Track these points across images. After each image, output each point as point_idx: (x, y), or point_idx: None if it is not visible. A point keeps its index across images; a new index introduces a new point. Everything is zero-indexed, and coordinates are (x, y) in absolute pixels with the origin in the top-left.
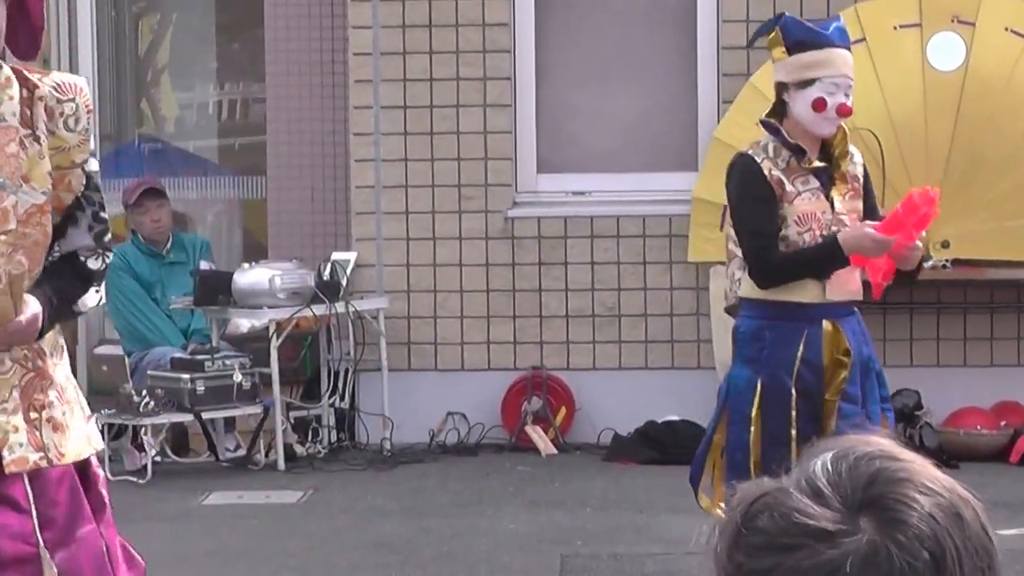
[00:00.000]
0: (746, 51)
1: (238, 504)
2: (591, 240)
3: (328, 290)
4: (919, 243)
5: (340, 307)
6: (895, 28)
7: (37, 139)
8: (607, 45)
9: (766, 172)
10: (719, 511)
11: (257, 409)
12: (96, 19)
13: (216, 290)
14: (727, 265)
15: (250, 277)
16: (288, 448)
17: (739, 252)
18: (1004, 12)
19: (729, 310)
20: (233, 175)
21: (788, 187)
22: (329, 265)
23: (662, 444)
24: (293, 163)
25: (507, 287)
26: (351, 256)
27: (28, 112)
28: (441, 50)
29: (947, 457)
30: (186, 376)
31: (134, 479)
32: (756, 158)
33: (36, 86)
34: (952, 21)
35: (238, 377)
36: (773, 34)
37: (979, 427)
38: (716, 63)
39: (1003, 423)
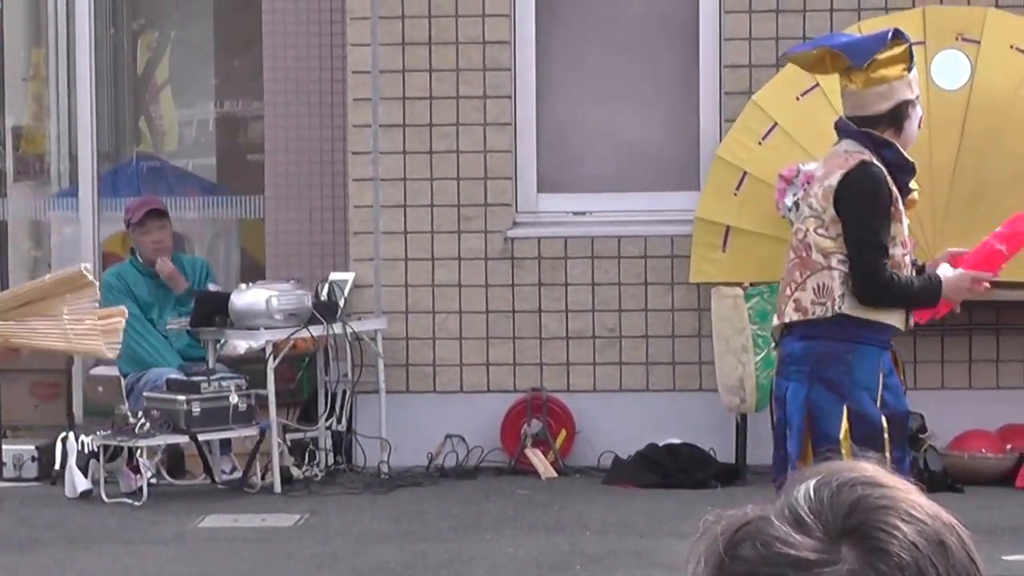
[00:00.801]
0: (748, 69)
1: (234, 527)
2: (592, 261)
3: (325, 311)
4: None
5: (337, 328)
6: None
7: None
8: (608, 64)
9: (891, 185)
10: None
11: (253, 431)
12: (94, 36)
13: (213, 311)
14: (803, 278)
15: (247, 298)
16: (284, 471)
17: (835, 264)
18: (1009, 30)
19: (790, 326)
20: (231, 194)
21: (899, 206)
22: (327, 285)
23: (663, 467)
24: (291, 182)
25: (507, 308)
26: (349, 276)
27: None
28: (441, 68)
29: (952, 481)
30: (182, 398)
31: (129, 501)
32: (883, 170)
33: None
34: (956, 39)
35: (234, 399)
36: (900, 50)
37: (984, 450)
38: (718, 81)
39: (1009, 447)
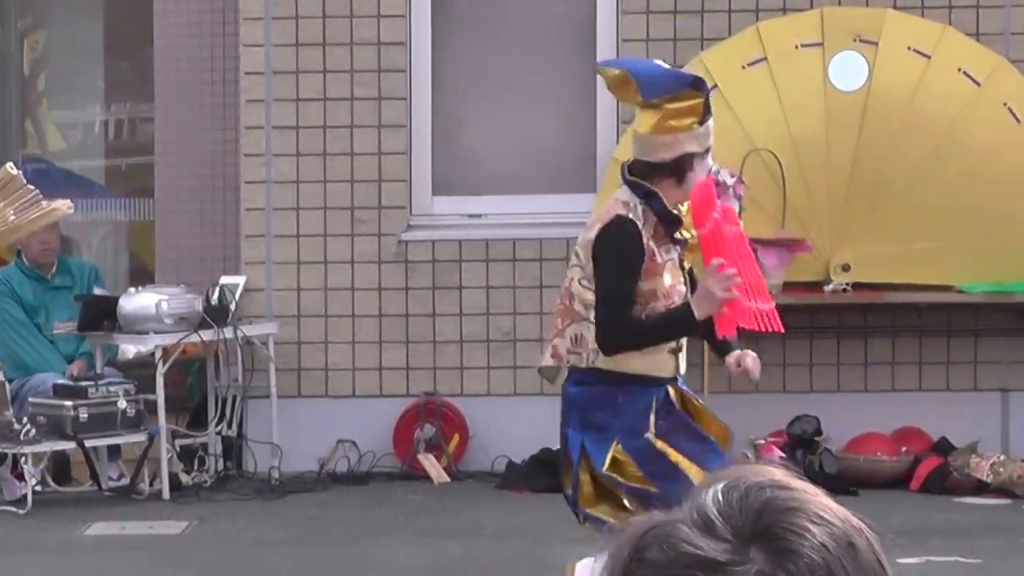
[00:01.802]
0: None
1: (121, 535)
2: (486, 264)
3: (216, 315)
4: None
5: (228, 332)
6: (797, 47)
7: None
8: (505, 66)
9: (645, 240)
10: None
11: (142, 437)
12: None
13: (101, 315)
14: (563, 325)
15: (136, 302)
16: (173, 477)
17: (592, 317)
18: (907, 31)
19: (546, 372)
20: (120, 197)
21: (658, 258)
22: (217, 289)
23: (557, 471)
24: (182, 184)
25: (400, 312)
26: (240, 280)
27: None
28: (335, 69)
29: (847, 484)
30: (69, 403)
31: (13, 509)
32: (638, 224)
33: None
34: (855, 40)
35: (123, 404)
36: (694, 102)
37: (880, 453)
38: None
39: (904, 449)
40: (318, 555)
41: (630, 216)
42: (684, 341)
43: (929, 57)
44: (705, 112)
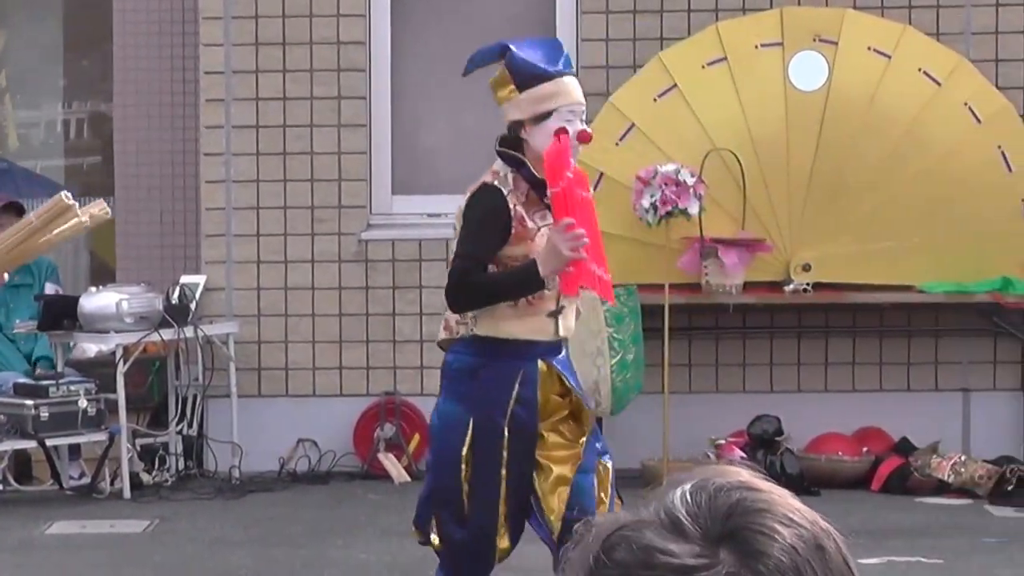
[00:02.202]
0: (606, 70)
1: (82, 534)
2: (446, 263)
3: (177, 314)
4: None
5: (189, 332)
6: (756, 47)
7: None
8: (464, 65)
9: (511, 207)
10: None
11: (103, 436)
12: None
13: (62, 314)
14: None
15: (97, 301)
16: (134, 476)
17: None
18: (866, 31)
19: (443, 344)
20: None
21: (529, 223)
22: (178, 288)
23: None
24: (142, 184)
25: (360, 311)
26: (200, 279)
27: None
28: (295, 68)
29: (808, 484)
30: (29, 402)
31: None
32: (504, 191)
33: None
34: (814, 40)
35: (83, 403)
36: (498, 75)
37: (840, 453)
38: None
39: (865, 449)
40: (279, 554)
41: (495, 183)
42: (570, 304)
43: (889, 57)
44: (513, 78)
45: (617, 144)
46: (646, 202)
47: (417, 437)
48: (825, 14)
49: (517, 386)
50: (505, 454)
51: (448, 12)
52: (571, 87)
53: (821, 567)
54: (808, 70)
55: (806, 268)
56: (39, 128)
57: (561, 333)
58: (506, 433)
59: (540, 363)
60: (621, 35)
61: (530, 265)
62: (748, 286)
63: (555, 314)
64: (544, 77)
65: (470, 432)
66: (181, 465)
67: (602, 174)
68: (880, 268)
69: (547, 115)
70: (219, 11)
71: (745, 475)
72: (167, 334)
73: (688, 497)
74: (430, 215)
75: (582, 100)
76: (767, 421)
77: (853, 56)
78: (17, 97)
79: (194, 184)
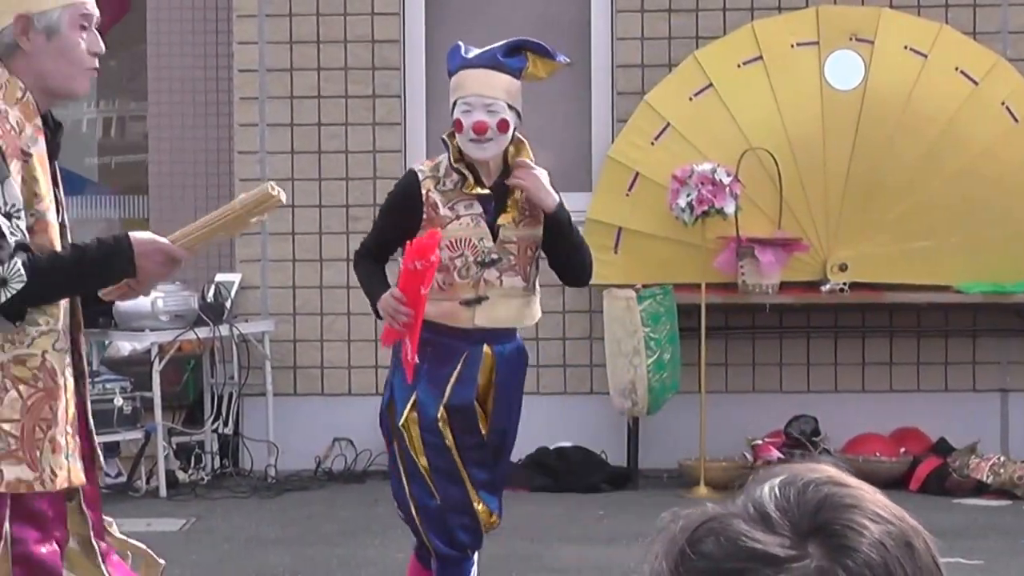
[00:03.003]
0: (641, 69)
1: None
2: None
3: (212, 312)
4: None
5: (224, 330)
6: (792, 46)
7: None
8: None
9: (423, 191)
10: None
11: (138, 434)
12: None
13: (97, 312)
14: None
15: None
16: (170, 475)
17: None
18: (903, 30)
19: None
20: (113, 194)
21: (443, 211)
22: (213, 287)
23: (554, 471)
24: (176, 182)
25: None
26: (235, 278)
27: None
28: (329, 67)
29: None
30: None
31: None
32: (420, 175)
33: None
34: (850, 39)
35: (119, 401)
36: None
37: (878, 454)
38: (610, 81)
39: (902, 450)
40: (315, 553)
41: (419, 167)
42: (498, 297)
43: (925, 56)
44: (448, 72)
45: (653, 143)
46: (682, 201)
47: None
48: (861, 13)
49: (459, 367)
50: (446, 427)
51: (483, 10)
52: (470, 78)
53: (910, 564)
54: (844, 69)
55: (843, 268)
56: (70, 126)
57: (478, 323)
58: (441, 410)
59: (485, 347)
60: (656, 34)
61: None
62: (784, 286)
63: (470, 303)
64: (453, 70)
65: (410, 407)
66: (217, 464)
67: (638, 174)
68: (917, 268)
69: (453, 107)
70: (253, 9)
71: (834, 471)
72: (202, 332)
73: (777, 492)
74: None
75: (485, 92)
76: (804, 421)
77: (889, 55)
78: None
79: (228, 183)
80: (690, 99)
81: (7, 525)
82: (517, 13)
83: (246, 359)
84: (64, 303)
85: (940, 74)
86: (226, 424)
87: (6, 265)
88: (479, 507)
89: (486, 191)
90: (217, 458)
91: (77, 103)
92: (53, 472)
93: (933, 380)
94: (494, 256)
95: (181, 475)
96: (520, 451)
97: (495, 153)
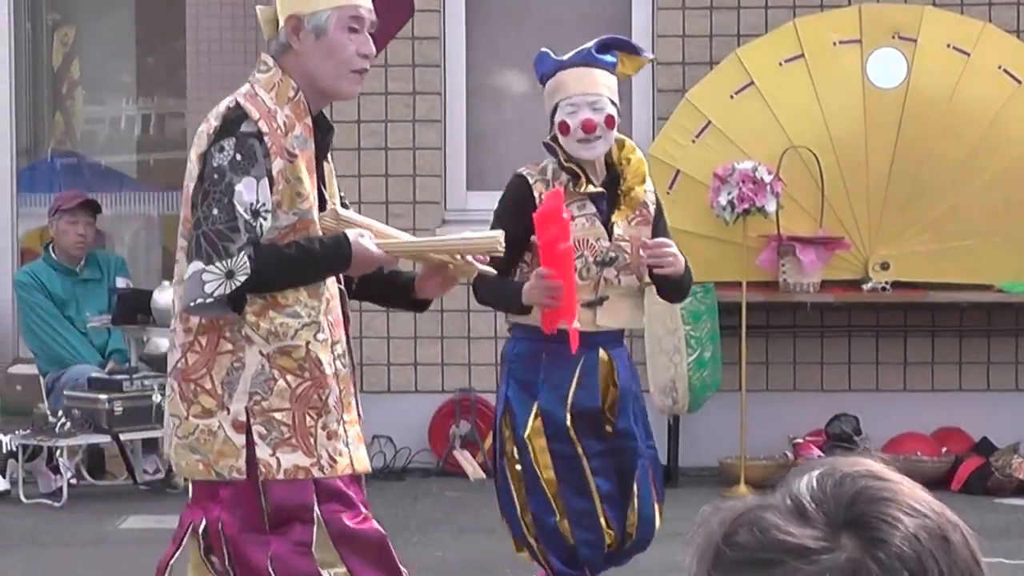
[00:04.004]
0: (682, 67)
1: (156, 528)
2: None
3: None
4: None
5: None
6: (835, 44)
7: None
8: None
9: (536, 194)
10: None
11: None
12: (13, 31)
13: (135, 309)
14: None
15: (170, 295)
16: None
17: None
18: (946, 28)
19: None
20: (151, 191)
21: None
22: None
23: None
24: None
25: (435, 307)
26: None
27: None
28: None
29: None
30: (104, 396)
31: (49, 502)
32: (529, 179)
33: None
34: (893, 37)
35: (157, 398)
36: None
37: (920, 453)
38: (651, 79)
39: (944, 449)
40: None
41: (524, 171)
42: (617, 296)
43: (968, 54)
44: (539, 78)
45: (694, 141)
46: (723, 199)
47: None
48: (904, 11)
49: (577, 374)
50: (572, 433)
51: (523, 8)
52: (571, 78)
53: (945, 558)
54: (887, 67)
55: (884, 267)
56: (109, 124)
57: (600, 323)
58: (568, 417)
59: (600, 351)
60: (698, 31)
61: (516, 286)
62: (826, 284)
63: (592, 304)
64: (548, 74)
65: (534, 416)
66: None
67: (679, 172)
68: (959, 267)
69: (555, 110)
70: None
71: (875, 465)
72: None
73: (815, 484)
74: None
75: (589, 90)
76: (845, 420)
77: (932, 53)
78: (88, 93)
79: None
80: (731, 97)
81: (317, 508)
82: (558, 10)
83: None
84: (333, 299)
85: (983, 73)
86: None
87: (236, 259)
88: (603, 521)
89: (599, 189)
90: None
91: (115, 99)
92: (332, 459)
93: (975, 380)
94: (612, 255)
95: None
96: None
97: (604, 151)
